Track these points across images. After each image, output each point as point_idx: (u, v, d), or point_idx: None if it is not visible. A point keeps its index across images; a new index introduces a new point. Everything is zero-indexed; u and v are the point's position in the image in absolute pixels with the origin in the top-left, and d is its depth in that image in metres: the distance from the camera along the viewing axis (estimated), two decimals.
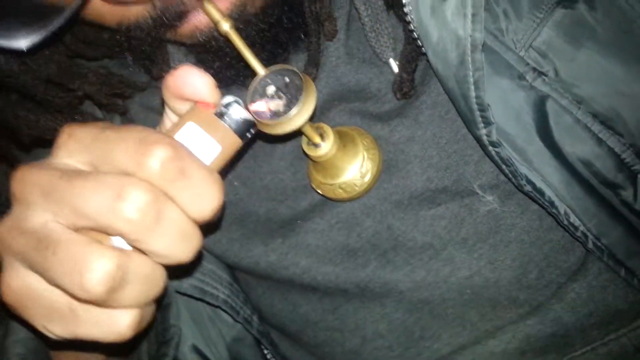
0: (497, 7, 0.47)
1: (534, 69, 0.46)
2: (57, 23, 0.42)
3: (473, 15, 0.44)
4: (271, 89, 0.43)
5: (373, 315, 0.56)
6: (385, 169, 0.54)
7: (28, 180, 0.36)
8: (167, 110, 0.46)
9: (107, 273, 0.33)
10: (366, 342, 0.57)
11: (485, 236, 0.52)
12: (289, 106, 0.42)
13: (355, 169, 0.51)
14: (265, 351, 0.66)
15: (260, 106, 0.43)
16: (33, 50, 0.43)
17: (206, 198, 0.36)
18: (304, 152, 0.51)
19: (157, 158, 0.34)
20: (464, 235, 0.52)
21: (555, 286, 0.50)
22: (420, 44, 0.49)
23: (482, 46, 0.45)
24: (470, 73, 0.45)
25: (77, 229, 0.35)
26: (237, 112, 0.40)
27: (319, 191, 0.54)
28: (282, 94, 0.43)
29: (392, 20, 0.54)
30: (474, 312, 0.52)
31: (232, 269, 0.64)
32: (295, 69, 0.43)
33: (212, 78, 0.41)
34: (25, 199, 0.36)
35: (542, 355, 0.49)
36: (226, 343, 0.65)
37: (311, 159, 0.51)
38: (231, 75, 0.53)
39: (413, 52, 0.52)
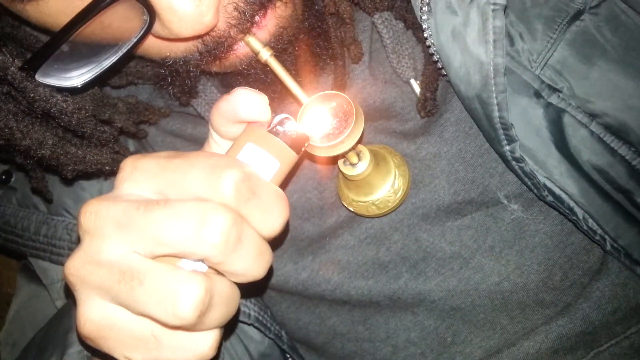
0: (513, 30, 0.50)
1: (549, 86, 0.49)
2: (110, 61, 0.43)
3: (494, 41, 0.46)
4: (319, 113, 0.45)
5: (405, 324, 0.58)
6: (412, 185, 0.56)
7: (101, 213, 0.36)
8: (213, 134, 0.47)
9: (198, 298, 0.34)
10: (398, 350, 0.59)
11: (511, 243, 0.54)
12: (339, 129, 0.44)
13: (388, 186, 0.53)
14: None
15: (310, 130, 0.45)
16: (86, 87, 0.43)
17: (275, 214, 0.38)
18: (340, 171, 0.52)
19: (230, 181, 0.36)
20: (491, 243, 0.55)
21: (579, 286, 0.53)
22: (440, 66, 0.52)
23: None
24: (494, 95, 0.47)
25: (154, 257, 0.36)
26: (291, 128, 0.42)
27: (351, 208, 0.56)
28: (330, 118, 0.45)
29: (411, 42, 0.56)
30: (504, 315, 0.55)
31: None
32: (343, 95, 0.45)
33: (266, 97, 0.42)
34: (99, 232, 0.36)
35: (572, 352, 0.52)
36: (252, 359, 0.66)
37: (347, 178, 0.53)
38: None
39: (434, 73, 0.55)
